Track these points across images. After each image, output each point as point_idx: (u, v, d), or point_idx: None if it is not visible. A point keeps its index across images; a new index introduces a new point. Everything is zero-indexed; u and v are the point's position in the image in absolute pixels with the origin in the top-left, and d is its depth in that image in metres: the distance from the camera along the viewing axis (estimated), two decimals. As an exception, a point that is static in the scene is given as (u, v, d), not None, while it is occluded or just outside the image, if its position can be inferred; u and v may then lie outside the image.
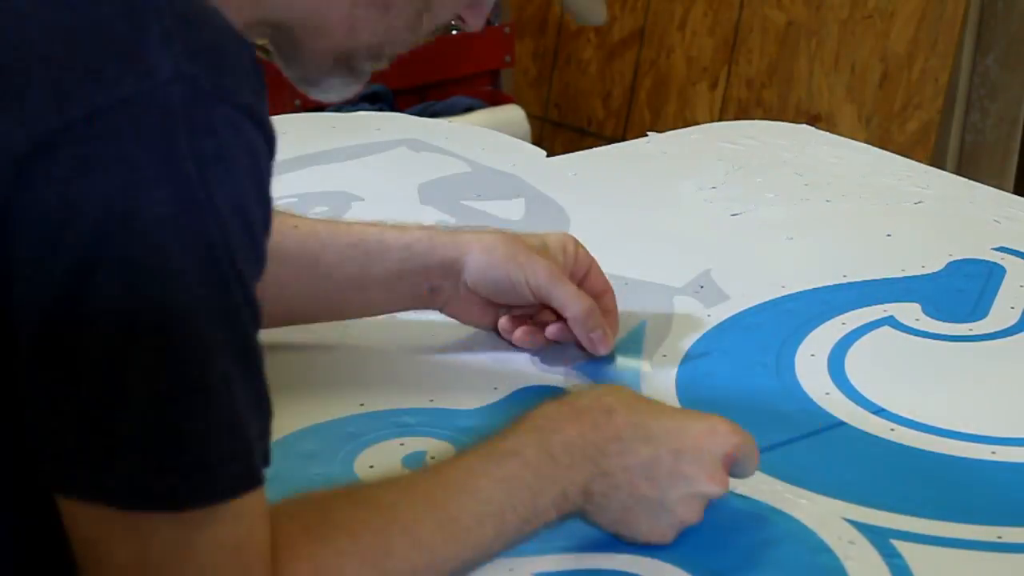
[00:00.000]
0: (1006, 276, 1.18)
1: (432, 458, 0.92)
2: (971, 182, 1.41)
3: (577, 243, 1.06)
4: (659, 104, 3.05)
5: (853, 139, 1.58)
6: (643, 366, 1.04)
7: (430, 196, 1.36)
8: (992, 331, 1.09)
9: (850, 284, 1.17)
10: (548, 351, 1.06)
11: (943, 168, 2.00)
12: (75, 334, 0.64)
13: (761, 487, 0.88)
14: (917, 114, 2.54)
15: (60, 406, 0.65)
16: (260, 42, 0.85)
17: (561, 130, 3.27)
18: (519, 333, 1.04)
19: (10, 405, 0.66)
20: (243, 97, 0.68)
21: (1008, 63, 2.53)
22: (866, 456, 0.93)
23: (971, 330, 1.09)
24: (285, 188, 1.38)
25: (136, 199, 0.63)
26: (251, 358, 0.69)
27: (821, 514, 0.86)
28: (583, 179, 1.42)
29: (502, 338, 1.05)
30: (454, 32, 2.72)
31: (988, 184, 1.41)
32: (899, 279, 1.18)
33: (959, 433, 0.95)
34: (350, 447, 0.93)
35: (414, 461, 0.91)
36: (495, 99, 2.65)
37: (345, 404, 0.98)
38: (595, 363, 1.04)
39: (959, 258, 1.21)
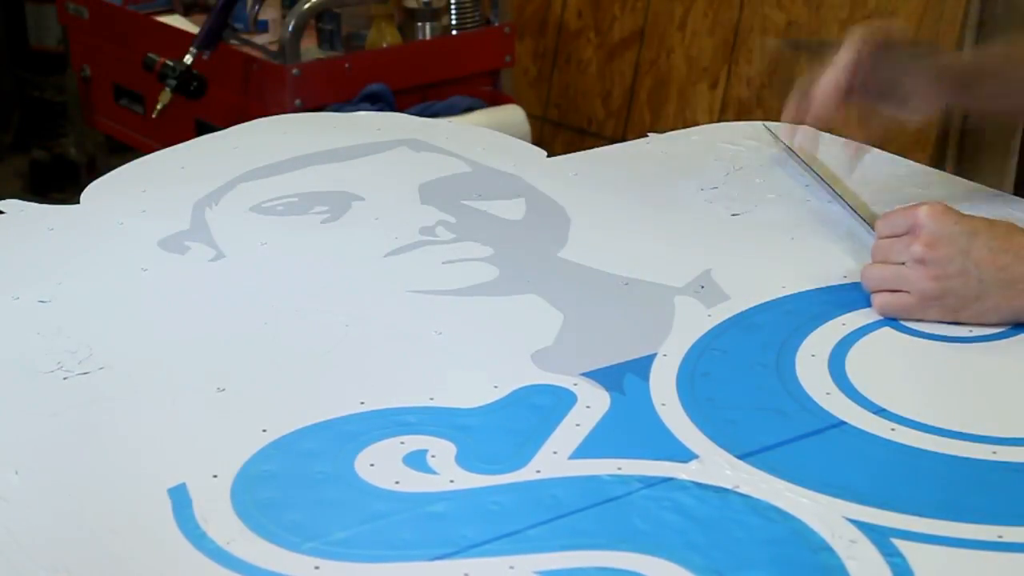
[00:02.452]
0: (1006, 276, 1.18)
1: (433, 456, 0.92)
2: (971, 182, 1.41)
3: None
4: (659, 104, 3.06)
5: (853, 139, 1.57)
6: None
7: (430, 196, 1.36)
8: (992, 331, 1.09)
9: (850, 284, 1.17)
10: (551, 352, 1.06)
11: (943, 168, 2.00)
12: None
13: (762, 486, 0.89)
14: (917, 114, 2.53)
15: None
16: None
17: (561, 130, 3.27)
18: None
19: None
20: None
21: (1008, 63, 2.53)
22: (867, 456, 0.93)
23: (971, 331, 1.09)
24: (285, 188, 1.38)
25: None
26: None
27: (822, 513, 0.86)
28: (583, 179, 1.42)
29: None
30: (454, 32, 2.73)
31: (988, 184, 1.41)
32: (899, 279, 1.18)
33: (959, 433, 0.95)
34: (350, 446, 0.93)
35: (414, 460, 0.92)
36: (495, 99, 2.65)
37: (345, 403, 0.98)
38: (600, 366, 1.04)
39: (959, 258, 1.21)
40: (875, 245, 1.13)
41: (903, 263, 1.09)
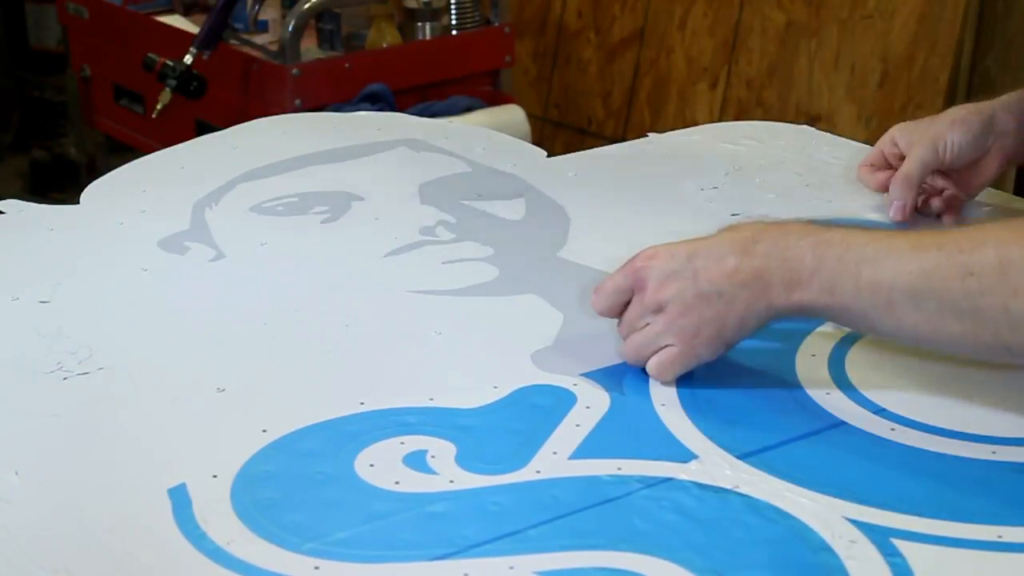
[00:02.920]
0: (1006, 276, 1.17)
1: (433, 456, 0.92)
2: (971, 182, 1.41)
3: None
4: (659, 104, 3.06)
5: (853, 139, 1.58)
6: None
7: (430, 196, 1.36)
8: (992, 331, 1.09)
9: (850, 284, 1.17)
10: (550, 352, 1.06)
11: (943, 168, 1.99)
12: None
13: (762, 486, 0.89)
14: (917, 114, 2.54)
15: None
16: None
17: (561, 130, 3.27)
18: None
19: None
20: None
21: (1008, 63, 2.53)
22: (867, 456, 0.93)
23: (971, 330, 1.09)
24: (285, 188, 1.38)
25: None
26: None
27: (822, 513, 0.86)
28: (583, 179, 1.42)
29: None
30: (454, 32, 2.73)
31: (988, 185, 1.40)
32: (899, 279, 1.18)
33: (959, 433, 0.95)
34: (350, 446, 0.93)
35: (414, 460, 0.92)
36: (495, 99, 2.65)
37: (345, 403, 0.98)
38: (600, 366, 1.04)
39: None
40: (620, 321, 1.03)
41: (647, 323, 1.00)
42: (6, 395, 1.01)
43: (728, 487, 0.89)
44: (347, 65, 2.49)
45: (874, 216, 1.31)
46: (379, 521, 0.86)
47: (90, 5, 2.88)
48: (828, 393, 1.00)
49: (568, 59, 3.24)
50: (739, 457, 0.92)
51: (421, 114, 2.18)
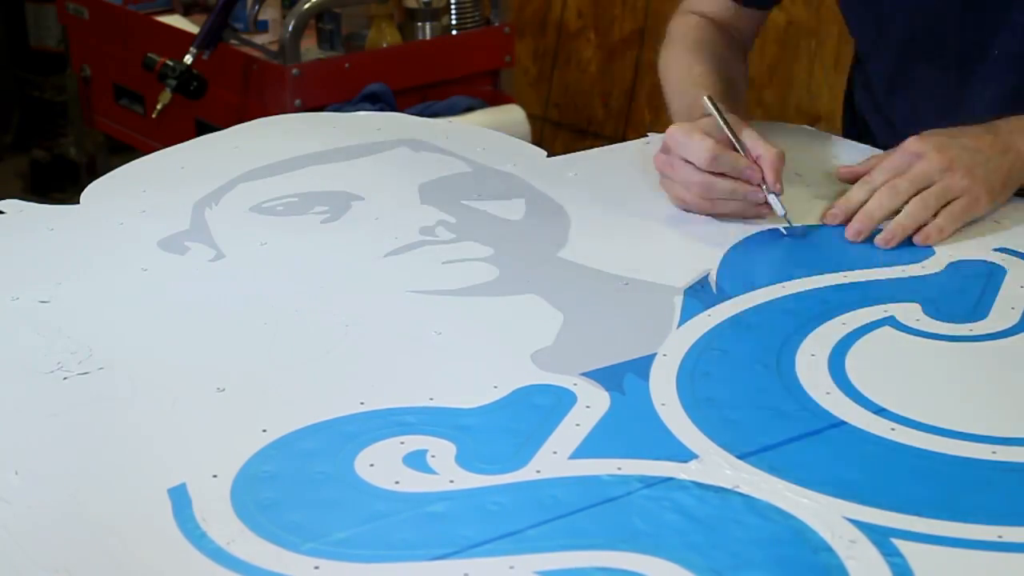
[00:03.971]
0: (1006, 277, 1.18)
1: (433, 456, 0.92)
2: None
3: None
4: (659, 104, 3.05)
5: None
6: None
7: (430, 196, 1.36)
8: (992, 331, 1.09)
9: (850, 284, 1.17)
10: (551, 352, 1.06)
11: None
12: None
13: (762, 486, 0.89)
14: (917, 114, 2.54)
15: None
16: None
17: (561, 130, 3.27)
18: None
19: None
20: None
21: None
22: (867, 456, 0.93)
23: (971, 330, 1.09)
24: (285, 188, 1.38)
25: None
26: None
27: (822, 513, 0.86)
28: (583, 179, 1.42)
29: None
30: (454, 32, 2.72)
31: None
32: (899, 279, 1.18)
33: (959, 433, 0.95)
34: (350, 446, 0.93)
35: (414, 460, 0.92)
36: (495, 99, 2.65)
37: (345, 403, 0.98)
38: (600, 366, 1.04)
39: (959, 258, 1.21)
40: (876, 198, 1.26)
41: (921, 189, 1.24)
42: (6, 395, 1.01)
43: (728, 487, 0.89)
44: (347, 65, 2.49)
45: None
46: (379, 521, 0.86)
47: (90, 5, 2.88)
48: (828, 393, 1.00)
49: (568, 59, 3.25)
50: (739, 457, 0.92)
51: (421, 114, 2.18)
